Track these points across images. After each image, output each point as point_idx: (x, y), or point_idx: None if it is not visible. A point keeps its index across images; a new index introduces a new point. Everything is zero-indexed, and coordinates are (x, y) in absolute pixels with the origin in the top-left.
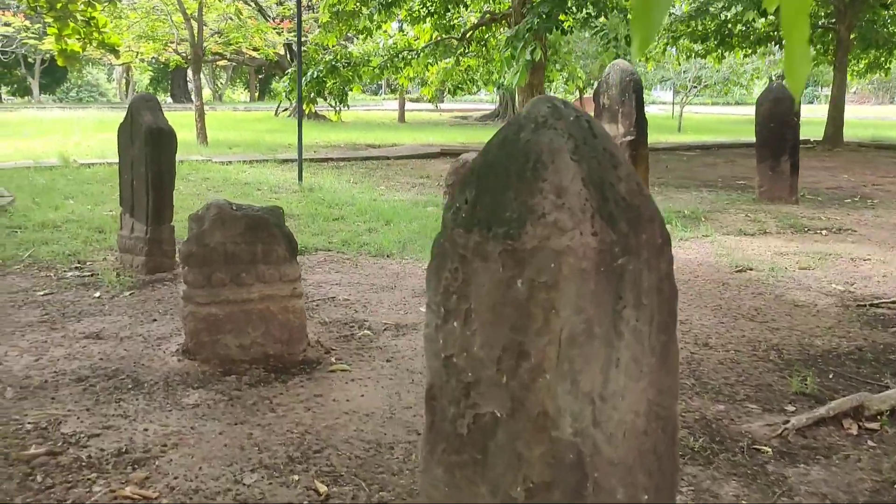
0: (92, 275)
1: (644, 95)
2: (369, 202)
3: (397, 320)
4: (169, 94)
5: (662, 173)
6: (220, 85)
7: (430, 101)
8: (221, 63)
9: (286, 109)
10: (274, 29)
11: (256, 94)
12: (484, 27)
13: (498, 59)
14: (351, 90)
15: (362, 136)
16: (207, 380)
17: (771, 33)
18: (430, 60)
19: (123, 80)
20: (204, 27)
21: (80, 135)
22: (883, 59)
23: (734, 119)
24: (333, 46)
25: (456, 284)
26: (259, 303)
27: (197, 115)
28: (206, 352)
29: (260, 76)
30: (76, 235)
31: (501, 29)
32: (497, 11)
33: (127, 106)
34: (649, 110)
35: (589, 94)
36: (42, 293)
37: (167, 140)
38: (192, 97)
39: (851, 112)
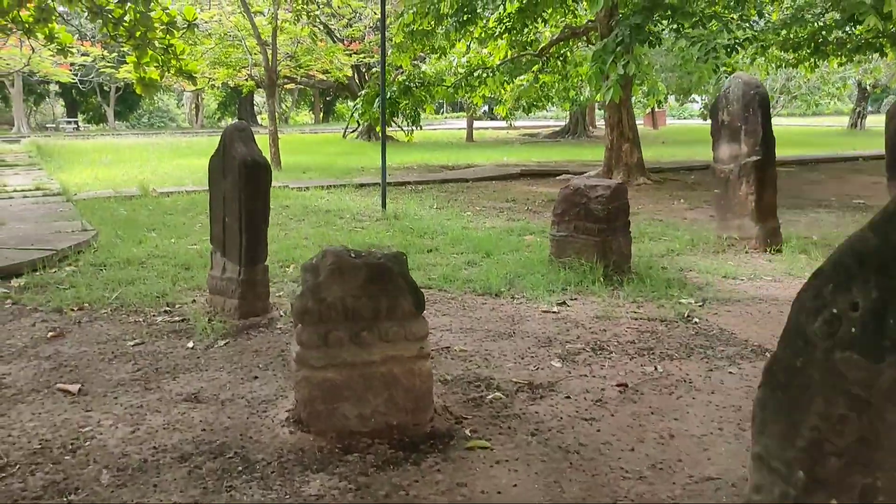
0: (182, 319)
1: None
2: (460, 231)
3: (528, 378)
4: (236, 118)
5: None
6: (285, 108)
7: (504, 119)
8: (288, 87)
9: (354, 131)
10: (344, 51)
11: (321, 116)
12: (562, 42)
13: (585, 73)
14: (424, 111)
15: (434, 156)
16: (327, 459)
17: (871, 40)
18: (507, 78)
19: (193, 106)
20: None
21: (155, 162)
22: None
23: (816, 131)
24: (405, 67)
25: (839, 440)
26: (381, 365)
27: (270, 140)
28: (321, 423)
29: (327, 98)
30: (163, 273)
31: (579, 43)
32: (577, 25)
33: (201, 131)
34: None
35: (660, 108)
36: (132, 343)
37: (262, 174)
38: (258, 120)
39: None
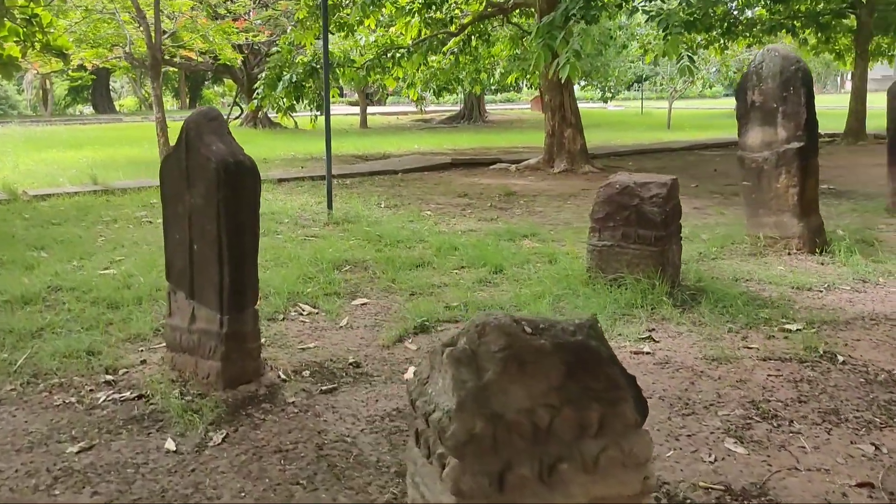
0: (139, 396)
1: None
2: (439, 237)
3: (717, 477)
4: (90, 104)
5: (723, 178)
6: (146, 93)
7: (415, 104)
8: (172, 69)
9: (238, 117)
10: (239, 30)
11: (188, 102)
12: (486, 20)
13: (530, 48)
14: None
15: (336, 145)
16: None
17: (783, 21)
18: (424, 59)
19: (39, 91)
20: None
21: (12, 156)
22: (886, 45)
23: (713, 114)
24: (308, 46)
25: None
26: None
27: (159, 129)
28: None
29: (206, 81)
30: (81, 317)
31: (494, 23)
32: (503, 1)
33: (54, 120)
34: (609, 107)
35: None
36: (75, 448)
37: (249, 181)
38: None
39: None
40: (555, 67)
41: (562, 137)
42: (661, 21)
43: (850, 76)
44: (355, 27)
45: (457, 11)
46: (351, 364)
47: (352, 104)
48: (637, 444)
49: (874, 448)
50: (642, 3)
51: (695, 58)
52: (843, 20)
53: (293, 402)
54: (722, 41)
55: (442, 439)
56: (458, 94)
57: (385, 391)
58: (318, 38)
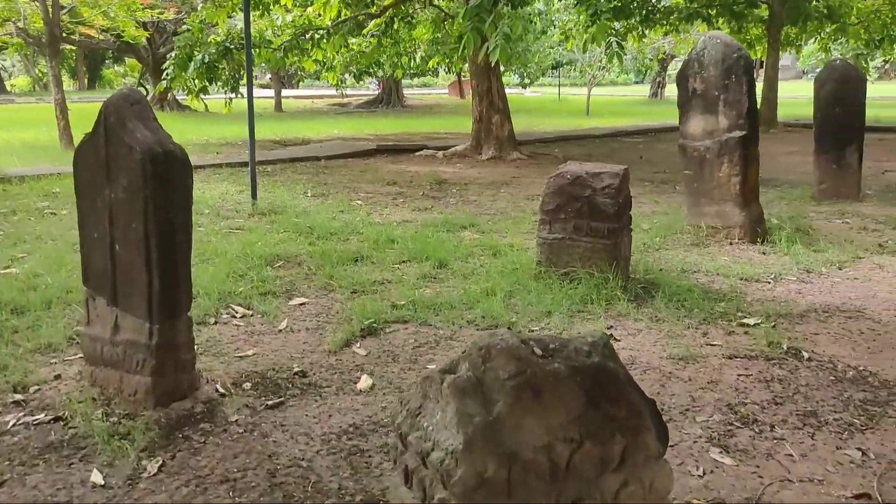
0: (57, 419)
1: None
2: (374, 228)
3: (711, 493)
4: None
5: (650, 166)
6: (40, 72)
7: (335, 88)
8: (70, 47)
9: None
10: (144, 6)
11: (86, 83)
12: (407, 1)
13: (456, 31)
14: (242, 77)
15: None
16: None
17: (699, 10)
18: (345, 41)
19: None
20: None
21: None
22: (794, 35)
23: (624, 101)
24: (220, 25)
25: None
26: None
27: (58, 111)
28: None
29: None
30: None
31: (416, 5)
32: None
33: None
34: (526, 93)
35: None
36: None
37: (181, 174)
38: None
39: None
40: (484, 51)
41: (489, 124)
42: (590, 7)
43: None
44: (271, 6)
45: None
46: (296, 373)
47: (263, 87)
48: (659, 477)
49: (861, 453)
50: None
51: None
52: (755, 10)
53: (236, 421)
54: (640, 29)
55: (446, 484)
56: (373, 79)
57: (337, 404)
58: (231, 16)
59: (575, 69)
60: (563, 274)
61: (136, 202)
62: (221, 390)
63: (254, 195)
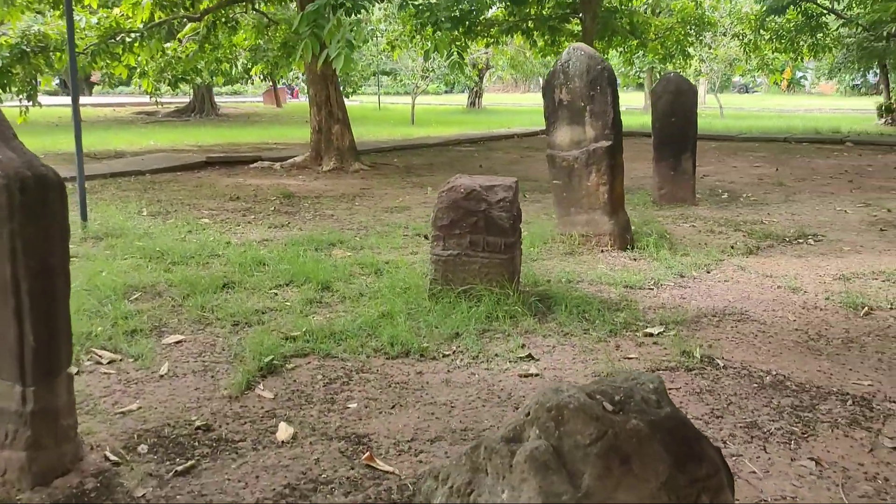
0: None
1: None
2: (234, 249)
3: None
4: None
5: (493, 175)
6: None
7: (150, 95)
8: None
9: None
10: None
11: None
12: (232, 4)
13: (281, 38)
14: (40, 83)
15: (53, 140)
16: None
17: (518, 23)
18: (162, 45)
19: None
20: None
21: None
22: (601, 49)
23: (444, 110)
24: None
25: None
26: None
27: None
28: None
29: None
30: None
31: (236, 8)
32: None
33: None
34: (346, 102)
35: (281, 85)
36: None
37: (56, 203)
38: None
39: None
40: (324, 59)
41: (329, 134)
42: (430, 17)
43: None
44: (73, 4)
45: None
46: (199, 428)
47: (50, 94)
48: None
49: (815, 464)
50: None
51: (464, 54)
52: (567, 25)
53: (143, 496)
54: (463, 40)
55: None
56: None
57: (261, 462)
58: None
59: (397, 78)
60: (461, 292)
61: (0, 239)
62: (112, 457)
63: (83, 216)
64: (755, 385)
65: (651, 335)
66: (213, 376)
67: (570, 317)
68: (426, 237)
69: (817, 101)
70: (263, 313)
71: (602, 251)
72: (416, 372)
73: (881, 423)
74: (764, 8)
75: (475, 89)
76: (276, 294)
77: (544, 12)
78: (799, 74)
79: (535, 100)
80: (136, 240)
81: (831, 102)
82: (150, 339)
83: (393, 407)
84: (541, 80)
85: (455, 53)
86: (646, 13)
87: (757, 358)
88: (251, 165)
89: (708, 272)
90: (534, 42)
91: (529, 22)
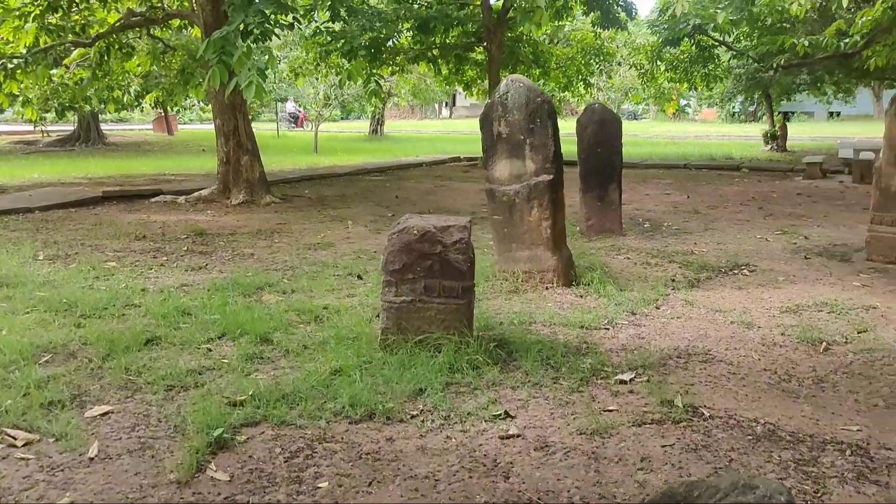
0: None
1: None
2: (151, 297)
3: None
4: None
5: (411, 206)
6: None
7: (33, 123)
8: None
9: None
10: None
11: None
12: (130, 29)
13: (178, 65)
14: None
15: None
16: None
17: (424, 51)
18: (50, 72)
19: None
20: None
21: None
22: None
23: (345, 137)
24: None
25: None
26: None
27: None
28: None
29: None
30: None
31: (129, 34)
32: (148, 12)
33: None
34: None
35: (173, 112)
36: None
37: None
38: None
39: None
40: (233, 87)
41: (238, 165)
42: (345, 44)
43: (444, 104)
44: None
45: (90, 17)
46: None
47: None
48: None
49: None
50: (324, 24)
51: (381, 82)
52: (471, 53)
53: None
54: (368, 67)
55: None
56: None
57: None
58: None
59: (302, 105)
60: (418, 341)
61: None
62: None
63: None
64: (749, 437)
65: (624, 382)
66: (153, 456)
67: (536, 365)
68: (360, 277)
69: (701, 127)
70: (199, 374)
71: (547, 288)
72: (386, 438)
73: (886, 474)
74: (660, 39)
75: (377, 116)
76: (209, 350)
77: (450, 41)
78: (683, 102)
79: (433, 126)
80: (36, 289)
81: (715, 129)
82: (70, 411)
83: (370, 484)
84: (437, 107)
85: (374, 82)
86: (547, 43)
87: (739, 405)
88: (152, 200)
89: (657, 308)
90: (438, 70)
91: (435, 50)
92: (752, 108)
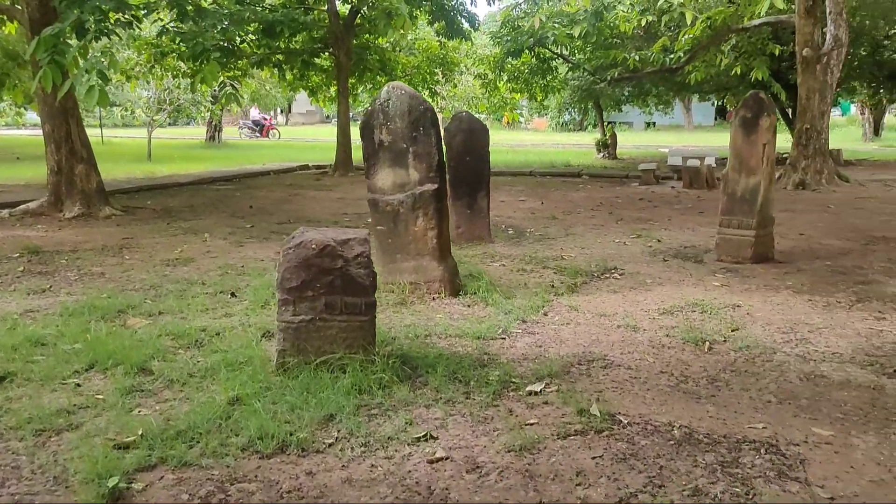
0: None
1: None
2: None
3: None
4: None
5: (268, 215)
6: None
7: None
8: None
9: None
10: None
11: None
12: None
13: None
14: None
15: None
16: None
17: (270, 56)
18: None
19: None
20: None
21: None
22: (351, 85)
23: (180, 144)
24: None
25: None
26: None
27: None
28: None
29: None
30: None
31: None
32: None
33: None
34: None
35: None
36: None
37: None
38: None
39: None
40: (66, 90)
41: (72, 175)
42: (196, 46)
43: (280, 111)
44: None
45: None
46: None
47: None
48: None
49: None
50: (170, 23)
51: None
52: (316, 59)
53: None
54: (222, 70)
55: None
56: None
57: None
58: None
59: (127, 110)
60: (320, 363)
61: None
62: None
63: None
64: (671, 442)
65: (535, 393)
66: None
67: (444, 380)
68: (234, 295)
69: (535, 136)
70: (71, 413)
71: (433, 299)
72: (306, 472)
73: (803, 470)
74: (503, 51)
75: (213, 123)
76: (77, 385)
77: (296, 46)
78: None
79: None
80: None
81: (547, 138)
82: None
83: None
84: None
85: (230, 85)
86: (391, 51)
87: (650, 409)
88: None
89: (545, 315)
90: (283, 75)
91: (280, 55)
92: (578, 118)
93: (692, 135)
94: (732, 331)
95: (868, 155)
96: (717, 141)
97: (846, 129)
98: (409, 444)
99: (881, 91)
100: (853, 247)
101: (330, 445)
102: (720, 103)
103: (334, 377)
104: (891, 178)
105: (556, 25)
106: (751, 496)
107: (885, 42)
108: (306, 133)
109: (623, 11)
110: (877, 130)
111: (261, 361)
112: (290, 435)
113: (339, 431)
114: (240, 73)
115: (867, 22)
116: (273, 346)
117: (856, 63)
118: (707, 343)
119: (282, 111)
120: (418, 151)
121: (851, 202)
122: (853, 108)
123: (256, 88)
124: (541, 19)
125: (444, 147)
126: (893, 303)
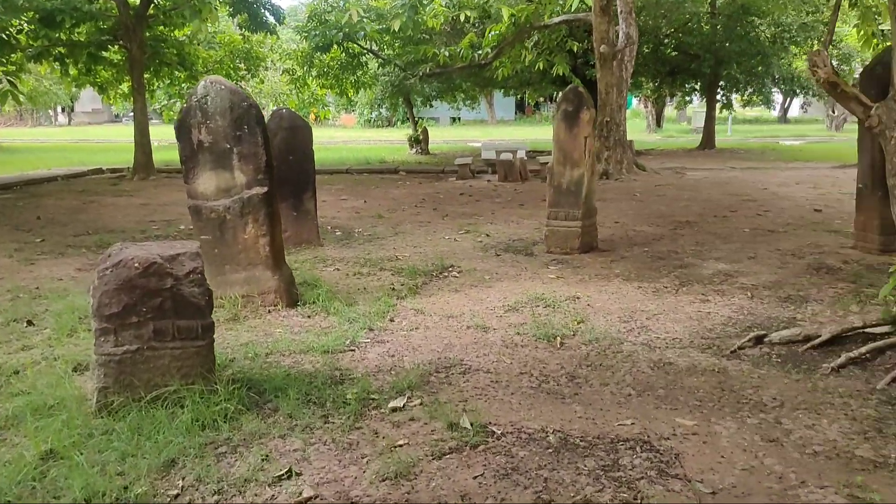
0: None
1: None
2: None
3: None
4: None
5: (63, 227)
6: None
7: None
8: None
9: None
10: None
11: None
12: None
13: None
14: None
15: None
16: None
17: (49, 48)
18: None
19: None
20: None
21: None
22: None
23: None
24: None
25: None
26: None
27: None
28: None
29: None
30: None
31: None
32: None
33: None
34: None
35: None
36: None
37: None
38: None
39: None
40: None
41: None
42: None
43: (61, 110)
44: None
45: None
46: None
47: None
48: None
49: None
50: None
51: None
52: (104, 52)
53: None
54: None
55: None
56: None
57: None
58: None
59: None
60: (151, 399)
61: None
62: None
63: None
64: (549, 450)
65: (399, 409)
66: None
67: (297, 404)
68: (31, 323)
69: (344, 133)
70: None
71: (269, 311)
72: None
73: (679, 465)
74: (311, 46)
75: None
76: None
77: (79, 37)
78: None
79: (52, 134)
80: None
81: (357, 134)
82: None
83: None
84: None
85: (6, 81)
86: (189, 44)
87: (519, 416)
88: None
89: (392, 321)
90: (66, 70)
91: (62, 48)
92: (388, 114)
93: (496, 129)
94: (578, 323)
95: (654, 145)
96: (519, 134)
97: (631, 122)
98: (269, 486)
99: (663, 86)
100: (664, 232)
101: (176, 497)
102: (520, 98)
103: (171, 413)
104: (678, 165)
105: (366, 20)
106: (639, 500)
107: (665, 40)
108: (94, 133)
109: (441, 5)
110: (659, 122)
111: (76, 402)
112: (126, 490)
113: (184, 479)
114: (14, 67)
115: (650, 21)
116: (89, 382)
117: (641, 60)
118: (558, 339)
119: (63, 110)
120: (244, 152)
121: (653, 190)
122: (635, 102)
123: (34, 85)
124: (358, 12)
125: None
126: (712, 285)
